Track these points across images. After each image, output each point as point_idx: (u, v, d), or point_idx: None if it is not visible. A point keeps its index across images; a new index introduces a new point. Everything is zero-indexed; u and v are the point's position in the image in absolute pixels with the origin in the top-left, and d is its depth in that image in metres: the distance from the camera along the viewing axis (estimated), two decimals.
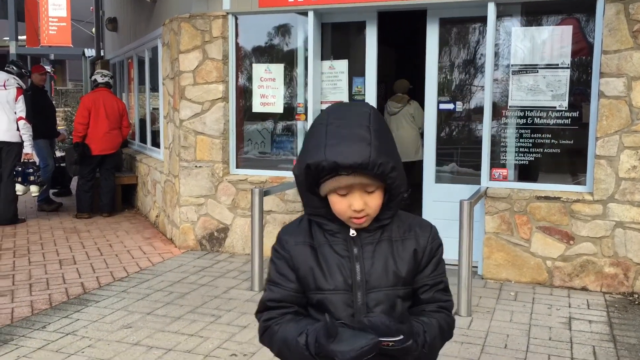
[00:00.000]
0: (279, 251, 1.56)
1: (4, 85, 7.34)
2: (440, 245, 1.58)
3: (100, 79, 7.90)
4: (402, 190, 1.47)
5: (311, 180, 1.45)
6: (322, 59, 5.98)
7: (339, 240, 1.51)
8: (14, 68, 7.76)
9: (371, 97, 5.79)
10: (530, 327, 4.11)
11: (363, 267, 1.49)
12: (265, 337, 1.54)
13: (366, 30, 5.74)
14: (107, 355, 3.61)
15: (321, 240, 1.53)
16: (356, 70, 5.89)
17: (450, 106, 5.57)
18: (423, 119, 5.94)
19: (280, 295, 1.53)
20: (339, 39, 6.13)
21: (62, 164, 9.10)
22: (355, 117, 1.41)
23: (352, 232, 1.51)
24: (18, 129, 7.32)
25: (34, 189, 7.44)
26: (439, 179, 5.71)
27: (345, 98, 5.89)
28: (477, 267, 5.34)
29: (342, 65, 5.92)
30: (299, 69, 6.02)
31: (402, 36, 9.24)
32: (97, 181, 7.89)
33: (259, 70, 6.10)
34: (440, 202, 5.66)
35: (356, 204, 1.43)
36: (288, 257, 1.53)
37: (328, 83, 5.96)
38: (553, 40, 5.08)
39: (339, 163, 1.36)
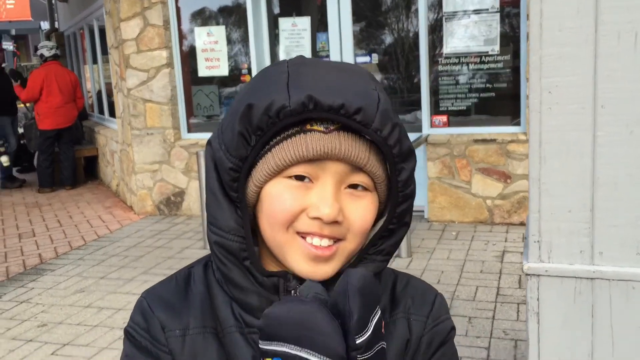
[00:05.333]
0: (146, 344, 0.80)
1: None
2: (449, 331, 0.86)
3: (47, 53, 7.84)
4: (407, 219, 0.79)
5: (240, 158, 0.72)
6: (283, 15, 6.01)
7: None
8: None
9: (335, 53, 5.80)
10: (465, 262, 4.36)
11: None
12: None
13: None
14: (59, 318, 3.79)
15: (228, 320, 0.78)
16: (319, 27, 5.92)
17: (367, 59, 5.68)
18: None
19: None
20: None
21: (23, 141, 9.11)
22: (343, 64, 0.80)
23: None
24: None
25: (4, 159, 7.53)
26: None
27: (308, 55, 5.93)
28: (423, 211, 5.57)
29: (304, 22, 5.92)
30: (242, 30, 6.07)
31: None
32: (57, 155, 7.94)
33: (201, 33, 6.13)
34: None
35: (325, 202, 0.71)
36: (167, 358, 0.79)
37: (291, 41, 5.98)
38: None
39: (318, 100, 0.70)
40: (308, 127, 0.71)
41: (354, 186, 0.74)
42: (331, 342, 0.64)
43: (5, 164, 7.69)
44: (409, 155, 0.75)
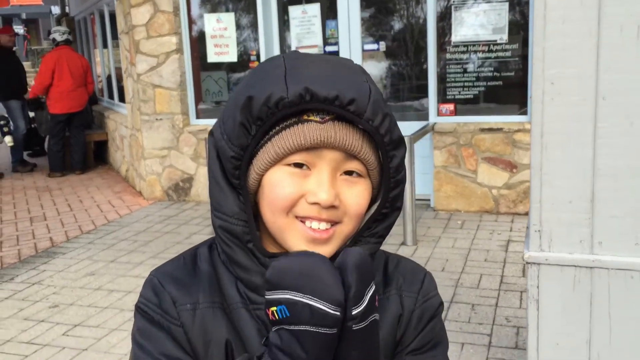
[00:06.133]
0: (158, 318, 0.83)
1: None
2: (438, 306, 0.93)
3: (59, 37, 7.88)
4: (399, 204, 0.84)
5: (241, 147, 0.77)
6: (293, 3, 6.02)
7: None
8: None
9: (344, 40, 5.79)
10: (470, 251, 4.39)
11: None
12: None
13: None
14: (70, 300, 3.87)
15: (234, 297, 0.84)
16: (329, 14, 5.91)
17: (375, 46, 5.68)
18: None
19: None
20: None
21: (34, 125, 9.19)
22: (335, 58, 0.84)
23: None
24: None
25: (8, 139, 7.62)
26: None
27: (319, 42, 5.93)
28: (429, 200, 5.59)
29: (314, 9, 5.93)
30: (251, 16, 6.08)
31: None
32: (68, 140, 8.02)
33: (211, 20, 6.15)
34: None
35: (323, 188, 0.76)
36: (179, 330, 0.82)
37: (301, 28, 5.98)
38: None
39: (314, 91, 0.74)
40: (305, 117, 0.76)
41: (349, 173, 0.79)
42: (331, 289, 0.68)
43: (9, 144, 7.77)
44: (400, 143, 0.80)
